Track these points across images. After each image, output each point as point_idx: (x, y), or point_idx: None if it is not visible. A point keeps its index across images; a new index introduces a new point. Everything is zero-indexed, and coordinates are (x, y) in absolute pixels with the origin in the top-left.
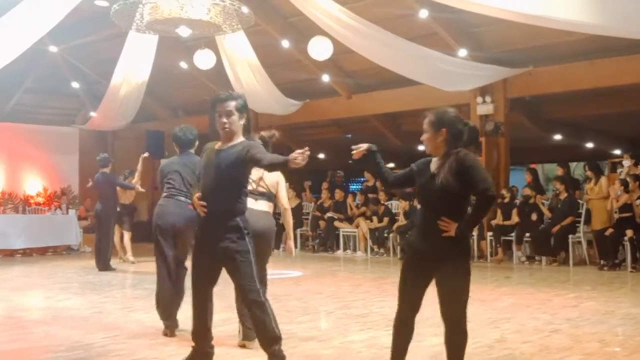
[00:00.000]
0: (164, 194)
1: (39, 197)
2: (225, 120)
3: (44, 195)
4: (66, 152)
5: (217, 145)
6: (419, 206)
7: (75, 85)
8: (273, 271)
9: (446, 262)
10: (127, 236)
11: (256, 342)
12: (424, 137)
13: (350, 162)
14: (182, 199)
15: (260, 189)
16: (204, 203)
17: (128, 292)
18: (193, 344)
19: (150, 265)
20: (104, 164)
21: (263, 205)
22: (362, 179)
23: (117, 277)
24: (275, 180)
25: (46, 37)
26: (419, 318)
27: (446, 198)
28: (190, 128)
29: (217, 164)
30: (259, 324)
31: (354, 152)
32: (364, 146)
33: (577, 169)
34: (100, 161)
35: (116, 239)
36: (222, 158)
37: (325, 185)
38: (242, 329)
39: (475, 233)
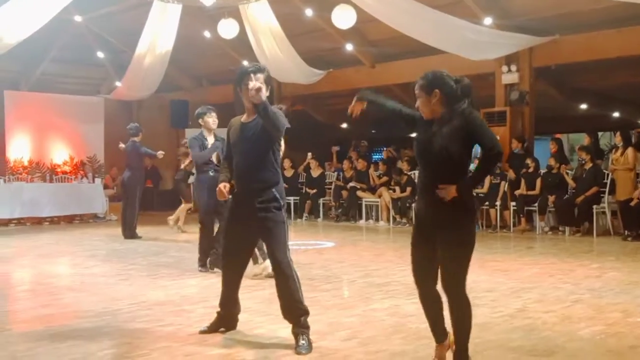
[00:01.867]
0: None
1: (66, 165)
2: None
3: (70, 164)
4: (92, 121)
5: (243, 118)
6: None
7: (100, 54)
8: (307, 241)
9: (447, 227)
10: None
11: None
12: (418, 103)
13: (349, 127)
14: None
15: None
16: (227, 189)
17: (153, 259)
18: (219, 309)
19: (173, 232)
20: (135, 133)
21: None
22: (384, 148)
23: (143, 245)
24: None
25: (71, 6)
26: (441, 287)
27: (447, 159)
28: None
29: (246, 137)
30: (286, 295)
31: (351, 114)
32: (355, 105)
33: (603, 138)
34: (130, 129)
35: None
36: (251, 131)
37: (354, 155)
38: None
39: (498, 202)
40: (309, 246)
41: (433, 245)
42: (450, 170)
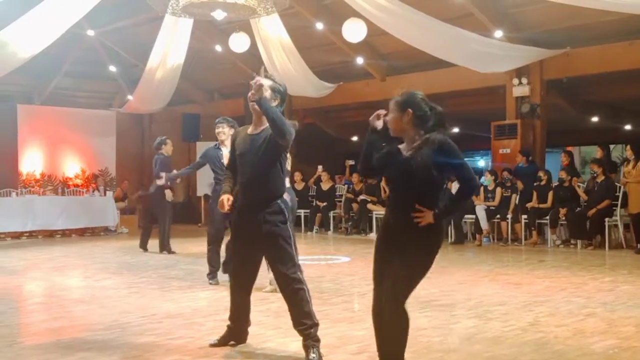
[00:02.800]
0: None
1: (77, 179)
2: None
3: (82, 177)
4: (104, 134)
5: (250, 129)
6: (389, 189)
7: (112, 68)
8: (321, 256)
9: (410, 247)
10: None
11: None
12: (389, 117)
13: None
14: None
15: None
16: (230, 202)
17: (164, 272)
18: (229, 322)
19: (187, 247)
20: (158, 146)
21: None
22: None
23: (154, 258)
24: None
25: (83, 21)
26: (453, 300)
27: (423, 181)
28: None
29: (254, 148)
30: (298, 309)
31: (382, 116)
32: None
33: (615, 151)
34: (155, 144)
35: None
36: (258, 141)
37: None
38: None
39: (509, 215)
40: (321, 261)
41: (393, 255)
42: (422, 193)
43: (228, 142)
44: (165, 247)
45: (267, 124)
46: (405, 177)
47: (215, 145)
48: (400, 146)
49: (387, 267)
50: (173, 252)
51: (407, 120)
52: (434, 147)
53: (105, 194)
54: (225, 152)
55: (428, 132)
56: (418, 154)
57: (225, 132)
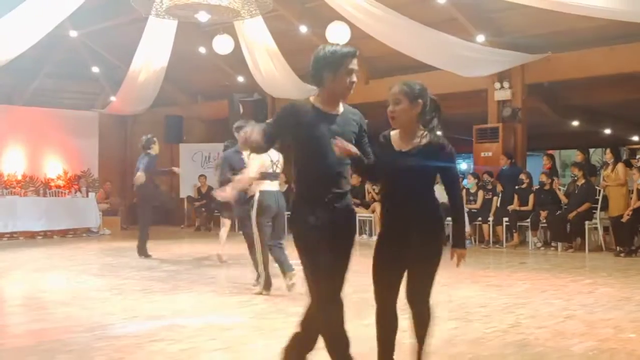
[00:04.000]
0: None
1: (59, 180)
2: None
3: (64, 179)
4: (86, 135)
5: (323, 107)
6: (382, 187)
7: (95, 69)
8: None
9: (424, 240)
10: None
11: None
12: (396, 108)
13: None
14: None
15: (278, 170)
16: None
17: (146, 274)
18: (299, 329)
19: (170, 248)
20: (146, 146)
21: (277, 185)
22: None
23: (136, 260)
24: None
25: (66, 21)
26: (434, 302)
27: (421, 178)
28: None
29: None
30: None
31: (337, 144)
32: (350, 147)
33: (594, 154)
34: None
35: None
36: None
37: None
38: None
39: (490, 218)
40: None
41: (402, 261)
42: (423, 187)
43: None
44: (142, 252)
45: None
46: (406, 173)
47: (235, 149)
48: (392, 137)
49: (398, 268)
50: (149, 256)
51: (416, 112)
52: (440, 149)
53: (87, 195)
54: (246, 157)
55: (425, 126)
56: (421, 152)
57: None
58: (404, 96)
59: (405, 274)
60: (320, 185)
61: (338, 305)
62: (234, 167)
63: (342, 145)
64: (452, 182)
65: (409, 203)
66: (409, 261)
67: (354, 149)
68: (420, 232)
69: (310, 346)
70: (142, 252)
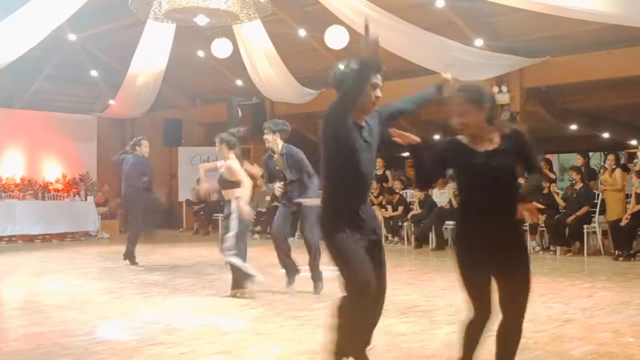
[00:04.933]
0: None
1: (58, 183)
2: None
3: (63, 182)
4: (84, 139)
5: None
6: (463, 192)
7: (93, 73)
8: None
9: (514, 251)
10: None
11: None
12: (464, 117)
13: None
14: None
15: None
16: None
17: (145, 278)
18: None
19: (168, 251)
20: (134, 146)
21: None
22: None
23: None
24: None
25: (65, 25)
26: (434, 306)
27: (507, 177)
28: None
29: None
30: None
31: (398, 134)
32: (413, 137)
33: (593, 158)
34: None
35: None
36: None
37: None
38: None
39: None
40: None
41: (488, 270)
42: (510, 189)
43: (276, 150)
44: (129, 256)
45: None
46: (492, 177)
47: (268, 153)
48: (464, 141)
49: (486, 280)
50: (135, 263)
51: (484, 116)
52: (517, 140)
53: (86, 199)
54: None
55: (490, 123)
56: (502, 150)
57: (269, 139)
58: (470, 103)
59: (495, 282)
60: (353, 194)
61: (368, 299)
62: (271, 172)
63: (400, 134)
64: (533, 164)
65: (498, 206)
66: (499, 270)
67: (412, 136)
68: (510, 238)
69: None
70: (129, 256)
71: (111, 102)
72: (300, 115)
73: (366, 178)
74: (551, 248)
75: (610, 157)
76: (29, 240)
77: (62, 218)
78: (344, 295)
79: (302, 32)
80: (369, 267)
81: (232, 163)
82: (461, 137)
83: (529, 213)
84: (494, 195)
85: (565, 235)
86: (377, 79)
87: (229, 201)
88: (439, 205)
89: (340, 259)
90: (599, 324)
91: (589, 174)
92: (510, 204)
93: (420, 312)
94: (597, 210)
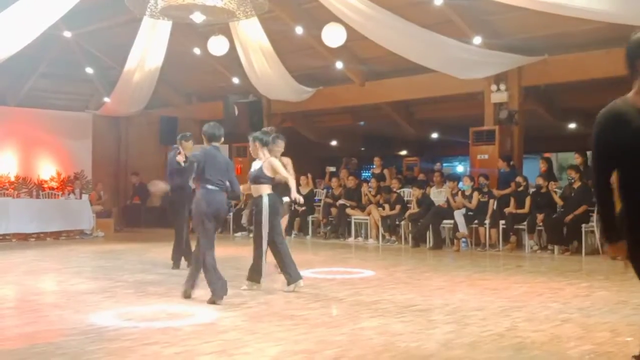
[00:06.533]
0: None
1: (53, 181)
2: None
3: (58, 180)
4: (80, 137)
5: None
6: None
7: (89, 70)
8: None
9: None
10: None
11: None
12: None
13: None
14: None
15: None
16: None
17: (140, 277)
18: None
19: (163, 250)
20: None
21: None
22: (373, 166)
23: (130, 262)
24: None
25: (60, 22)
26: (430, 305)
27: None
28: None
29: None
30: None
31: None
32: None
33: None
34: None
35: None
36: None
37: (344, 172)
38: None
39: (487, 221)
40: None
41: None
42: None
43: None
44: (186, 258)
45: None
46: None
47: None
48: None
49: None
50: (177, 266)
51: None
52: None
53: (81, 197)
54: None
55: None
56: None
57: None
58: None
59: None
60: None
61: None
62: None
63: None
64: None
65: None
66: None
67: None
68: None
69: None
70: (175, 259)
71: (106, 99)
72: (297, 113)
73: None
74: (549, 247)
75: None
76: (24, 238)
77: (56, 216)
78: None
79: (299, 30)
80: None
81: (273, 160)
82: (627, 98)
83: None
84: None
85: (563, 235)
86: None
87: (260, 197)
88: (436, 204)
89: None
90: (597, 324)
91: (588, 173)
92: None
93: (417, 312)
94: (596, 209)
